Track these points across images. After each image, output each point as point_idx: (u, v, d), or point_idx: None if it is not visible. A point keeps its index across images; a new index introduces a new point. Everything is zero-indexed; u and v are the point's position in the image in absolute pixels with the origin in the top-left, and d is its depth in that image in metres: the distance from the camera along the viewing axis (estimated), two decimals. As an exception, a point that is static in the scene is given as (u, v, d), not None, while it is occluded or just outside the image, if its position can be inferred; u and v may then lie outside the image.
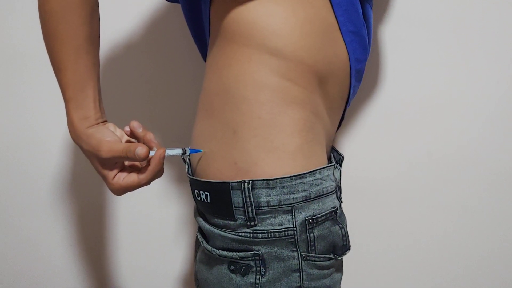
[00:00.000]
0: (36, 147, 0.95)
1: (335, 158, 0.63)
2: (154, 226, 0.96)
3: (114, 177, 0.53)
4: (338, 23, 0.53)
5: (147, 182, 0.53)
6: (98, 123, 0.54)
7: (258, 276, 0.50)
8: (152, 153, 0.52)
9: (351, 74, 0.57)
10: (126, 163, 0.55)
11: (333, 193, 0.53)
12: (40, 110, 0.93)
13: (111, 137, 0.52)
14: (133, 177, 0.52)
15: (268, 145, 0.50)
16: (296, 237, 0.50)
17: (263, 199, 0.49)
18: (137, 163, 0.56)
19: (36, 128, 0.94)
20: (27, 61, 0.90)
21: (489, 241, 0.85)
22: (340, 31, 0.53)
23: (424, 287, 0.89)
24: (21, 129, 0.94)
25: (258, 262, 0.50)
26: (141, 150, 0.49)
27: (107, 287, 1.01)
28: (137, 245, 0.97)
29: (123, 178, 0.53)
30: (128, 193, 0.93)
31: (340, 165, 0.63)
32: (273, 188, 0.49)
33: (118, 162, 0.53)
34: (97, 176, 0.92)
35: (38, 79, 0.91)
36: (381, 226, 0.87)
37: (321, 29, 0.52)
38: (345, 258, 0.56)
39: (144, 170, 0.52)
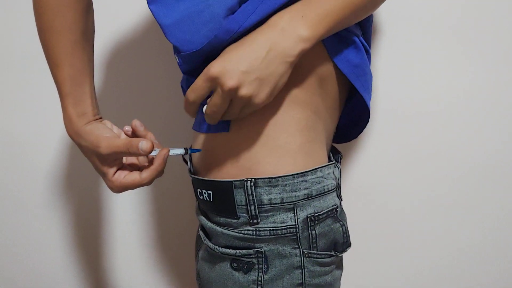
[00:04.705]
0: (33, 147, 0.94)
1: (334, 156, 0.63)
2: (154, 224, 0.96)
3: (114, 174, 0.53)
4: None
5: (149, 182, 0.53)
6: (96, 119, 0.54)
7: (261, 273, 0.51)
8: (154, 153, 0.53)
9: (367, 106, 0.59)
10: (125, 161, 0.55)
11: (333, 191, 0.54)
12: (36, 109, 0.92)
13: (109, 134, 0.52)
14: (134, 176, 0.53)
15: (270, 144, 0.50)
16: (298, 235, 0.50)
17: (265, 197, 0.50)
18: (136, 162, 0.56)
19: (33, 128, 0.93)
20: (20, 60, 0.90)
21: (489, 241, 0.86)
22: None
23: (422, 285, 0.90)
24: (17, 129, 0.94)
25: (261, 259, 0.51)
26: (145, 144, 0.49)
27: (108, 286, 1.01)
28: (137, 244, 0.97)
29: (124, 176, 0.53)
30: (129, 193, 0.94)
31: (339, 163, 0.63)
32: (276, 186, 0.49)
33: (117, 159, 0.53)
34: (95, 175, 0.92)
35: (32, 78, 0.90)
36: (379, 223, 0.88)
37: None
38: (345, 254, 0.57)
39: (146, 169, 0.53)
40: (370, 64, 0.59)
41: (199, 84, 0.47)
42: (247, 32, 0.47)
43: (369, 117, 0.61)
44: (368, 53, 0.58)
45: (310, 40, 0.46)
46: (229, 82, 0.44)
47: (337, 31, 0.50)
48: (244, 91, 0.45)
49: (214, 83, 0.46)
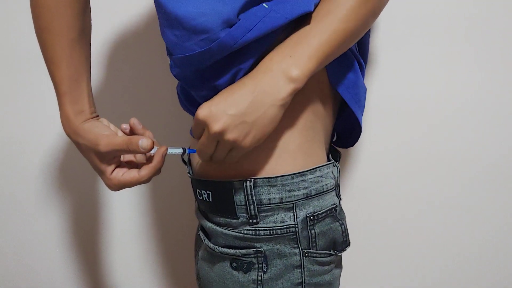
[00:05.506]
0: (30, 145, 0.94)
1: (333, 155, 0.64)
2: (154, 225, 0.96)
3: (112, 172, 0.53)
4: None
5: (148, 179, 0.53)
6: (93, 117, 0.55)
7: (260, 273, 0.51)
8: (152, 151, 0.53)
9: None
10: (122, 159, 0.55)
11: (332, 190, 0.54)
12: (33, 108, 0.92)
13: (107, 132, 0.53)
14: (133, 173, 0.53)
15: (269, 144, 0.51)
16: (297, 234, 0.50)
17: (264, 197, 0.50)
18: (134, 159, 0.56)
19: (30, 126, 0.93)
20: (18, 59, 0.90)
21: (488, 240, 0.86)
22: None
23: (421, 283, 0.90)
24: (14, 128, 0.94)
25: (260, 259, 0.51)
26: (145, 142, 0.49)
27: (107, 286, 1.01)
28: (136, 244, 0.97)
29: (122, 174, 0.53)
30: (127, 192, 0.94)
31: (338, 162, 0.64)
32: (275, 186, 0.50)
33: (116, 157, 0.53)
34: (92, 173, 0.92)
35: (30, 77, 0.90)
36: (379, 222, 0.88)
37: None
38: (344, 253, 0.57)
39: (145, 166, 0.53)
40: (364, 78, 0.58)
41: (193, 126, 0.49)
42: (244, 48, 0.47)
43: (360, 128, 0.60)
44: (362, 67, 0.57)
45: (301, 79, 0.46)
46: (215, 126, 0.45)
47: (331, 61, 0.49)
48: (229, 135, 0.45)
49: (203, 126, 0.47)
